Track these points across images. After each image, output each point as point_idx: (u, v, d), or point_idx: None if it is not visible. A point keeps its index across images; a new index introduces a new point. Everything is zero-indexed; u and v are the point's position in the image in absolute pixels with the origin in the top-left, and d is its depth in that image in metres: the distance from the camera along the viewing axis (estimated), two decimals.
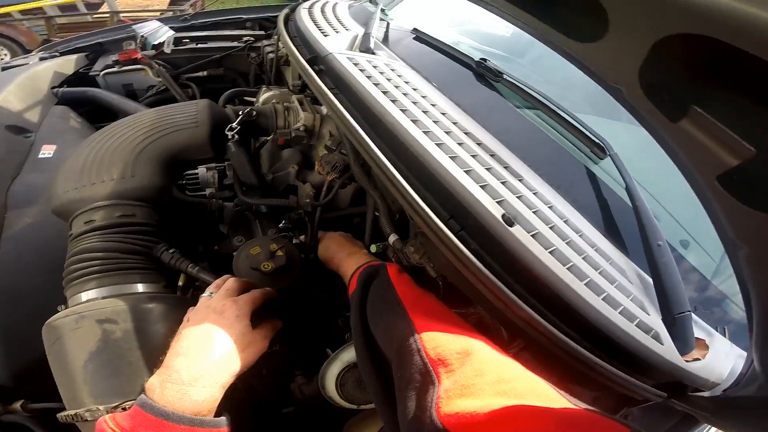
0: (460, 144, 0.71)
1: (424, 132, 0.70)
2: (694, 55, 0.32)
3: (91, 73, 1.55)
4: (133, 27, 1.50)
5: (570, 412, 0.40)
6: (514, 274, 0.58)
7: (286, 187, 1.11)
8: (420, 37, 1.14)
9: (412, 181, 0.66)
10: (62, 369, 0.60)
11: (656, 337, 0.59)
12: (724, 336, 0.69)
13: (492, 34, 1.47)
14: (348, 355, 0.72)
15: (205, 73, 1.57)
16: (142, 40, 1.37)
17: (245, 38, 1.58)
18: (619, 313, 0.58)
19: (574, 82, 1.11)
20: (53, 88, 1.46)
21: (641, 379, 0.62)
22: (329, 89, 0.82)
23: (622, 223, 0.76)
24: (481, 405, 0.40)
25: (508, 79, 0.91)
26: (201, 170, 1.20)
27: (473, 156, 0.69)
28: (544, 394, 0.43)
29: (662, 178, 0.91)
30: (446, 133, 0.73)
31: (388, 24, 1.26)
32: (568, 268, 0.57)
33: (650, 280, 0.67)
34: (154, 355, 0.59)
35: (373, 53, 1.05)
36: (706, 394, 0.62)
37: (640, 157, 0.92)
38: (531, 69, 1.28)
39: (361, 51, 1.04)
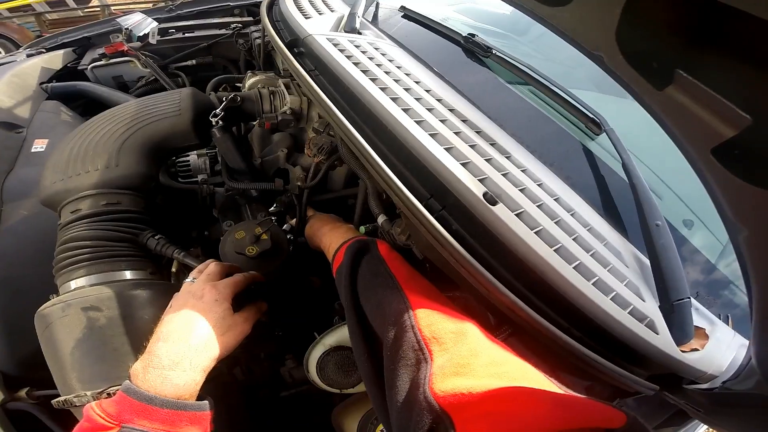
0: (443, 121, 0.67)
1: (404, 110, 0.66)
2: (675, 13, 0.28)
3: (79, 67, 1.55)
4: (117, 20, 1.49)
5: (564, 396, 0.39)
6: (498, 257, 0.54)
7: (277, 171, 1.10)
8: (408, 14, 1.10)
9: (390, 160, 0.63)
10: (52, 356, 0.62)
11: (651, 326, 0.55)
12: (728, 324, 0.64)
13: (493, 12, 1.41)
14: (331, 338, 0.72)
15: (194, 61, 1.56)
16: (127, 33, 1.37)
17: (233, 25, 1.56)
18: (611, 299, 0.53)
19: (580, 60, 1.07)
20: (42, 83, 1.47)
21: (634, 370, 0.58)
22: (308, 71, 0.79)
23: (620, 202, 0.71)
24: (477, 384, 0.38)
25: (498, 54, 0.86)
26: (192, 157, 1.22)
27: (456, 133, 0.65)
28: (536, 379, 0.42)
29: (666, 156, 0.86)
30: (428, 110, 0.69)
31: (377, 3, 1.22)
32: (555, 250, 0.53)
33: (649, 264, 0.62)
34: (139, 340, 0.60)
35: (359, 33, 1.01)
36: (705, 385, 0.58)
37: (645, 135, 0.87)
38: (533, 48, 1.23)
39: (346, 31, 1.01)
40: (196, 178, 1.19)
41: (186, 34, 1.57)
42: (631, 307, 0.55)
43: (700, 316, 0.63)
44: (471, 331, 0.47)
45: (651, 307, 0.58)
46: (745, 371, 0.52)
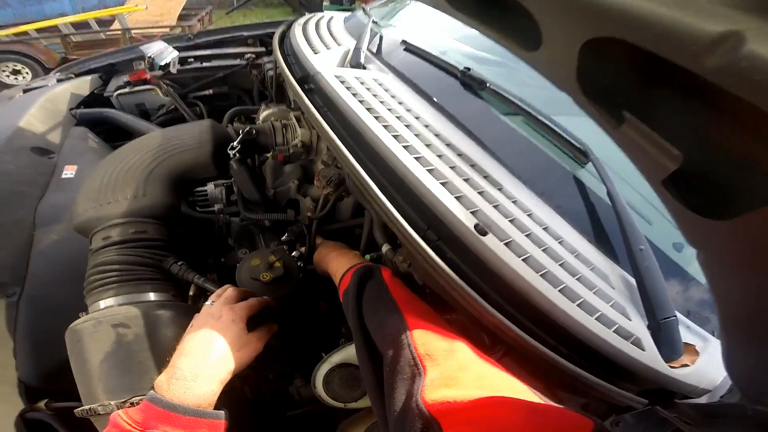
0: (439, 156, 0.73)
1: (404, 146, 0.72)
2: (616, 58, 0.33)
3: (105, 94, 1.63)
4: (140, 48, 1.57)
5: (543, 406, 0.44)
6: (489, 282, 0.60)
7: (289, 201, 1.15)
8: (409, 48, 1.17)
9: (391, 194, 0.68)
10: (81, 368, 0.67)
11: (637, 343, 0.59)
12: None
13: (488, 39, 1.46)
14: (337, 357, 0.77)
15: (211, 91, 1.63)
16: (150, 61, 1.43)
17: (247, 55, 1.63)
18: (596, 319, 0.58)
19: None
20: (71, 109, 1.56)
21: (624, 385, 0.62)
22: (317, 108, 0.86)
23: (609, 228, 0.76)
24: (462, 394, 0.43)
25: (492, 87, 0.93)
26: (209, 187, 1.28)
27: (452, 167, 0.71)
28: (517, 390, 0.47)
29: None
30: (426, 146, 0.75)
31: (381, 36, 1.29)
32: (542, 275, 0.58)
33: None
34: (162, 356, 0.66)
35: (364, 68, 1.08)
36: (702, 400, 0.61)
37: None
38: (528, 75, 1.28)
39: (351, 66, 1.08)
40: (212, 207, 1.26)
41: (204, 64, 1.64)
42: (617, 325, 0.60)
43: (691, 333, 0.67)
44: (461, 349, 0.52)
45: (637, 325, 0.62)
46: (731, 386, 0.56)
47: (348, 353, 0.77)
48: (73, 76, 1.68)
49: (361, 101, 0.84)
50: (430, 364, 0.50)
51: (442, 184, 0.66)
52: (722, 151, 0.32)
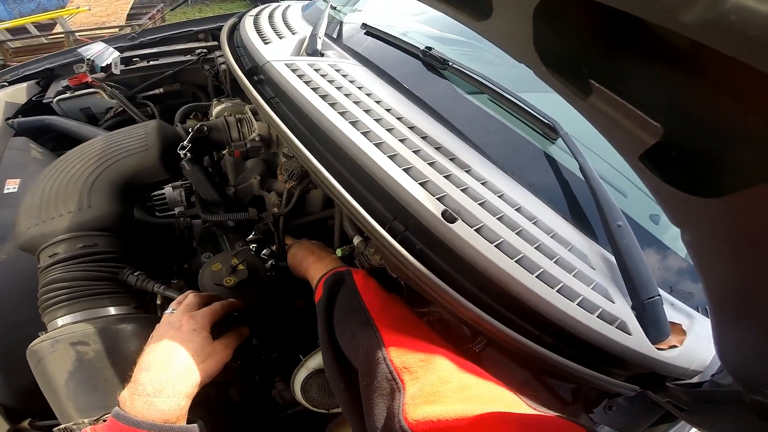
0: (402, 140, 0.68)
1: (363, 133, 0.67)
2: (575, 21, 0.28)
3: (44, 101, 1.50)
4: (78, 50, 1.46)
5: (532, 417, 0.42)
6: (462, 272, 0.55)
7: (252, 199, 1.09)
8: (370, 31, 1.10)
9: (352, 185, 0.63)
10: (48, 388, 0.66)
11: (622, 327, 0.56)
12: (707, 316, 0.65)
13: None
14: (314, 361, 0.74)
15: (161, 90, 1.53)
16: (90, 63, 1.35)
17: (198, 51, 1.54)
18: (578, 304, 0.54)
19: None
20: (7, 119, 1.43)
21: (612, 371, 0.59)
22: (267, 99, 0.80)
23: (585, 205, 0.72)
24: (447, 410, 0.41)
25: (455, 66, 0.88)
26: (167, 190, 1.21)
27: (416, 151, 0.66)
28: (506, 400, 0.44)
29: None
30: (388, 131, 0.70)
31: (341, 22, 1.23)
32: (517, 261, 0.54)
33: None
34: (127, 371, 0.63)
35: (322, 55, 1.02)
36: (695, 380, 0.59)
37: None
38: (496, 54, 1.25)
39: (308, 54, 1.01)
40: (173, 211, 1.18)
41: (151, 62, 1.54)
42: (600, 310, 0.56)
43: (676, 310, 0.64)
44: (439, 359, 0.49)
45: (621, 308, 0.59)
46: (721, 365, 0.53)
47: None
48: (6, 84, 1.53)
49: (315, 89, 0.78)
50: (408, 377, 0.47)
51: (405, 170, 0.61)
52: (707, 121, 0.28)
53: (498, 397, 0.45)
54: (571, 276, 0.58)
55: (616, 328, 0.55)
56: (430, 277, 0.52)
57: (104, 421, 0.57)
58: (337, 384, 0.59)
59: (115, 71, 1.44)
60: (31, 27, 4.73)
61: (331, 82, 0.82)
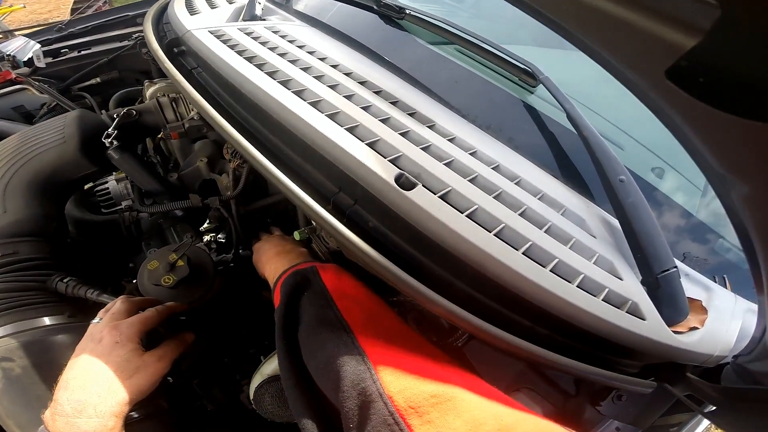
0: (348, 97, 0.54)
1: (296, 92, 0.53)
2: None
3: None
4: None
5: None
6: (429, 254, 0.42)
7: (203, 183, 0.97)
8: None
9: (286, 155, 0.50)
10: None
11: (634, 311, 0.44)
12: (725, 287, 0.54)
13: None
14: (269, 367, 0.65)
15: (98, 80, 1.39)
16: (11, 59, 1.23)
17: (135, 35, 1.40)
18: (578, 286, 0.42)
19: (521, 20, 0.97)
20: None
21: (623, 362, 0.47)
22: (189, 69, 0.67)
23: (575, 159, 0.60)
24: None
25: (413, 14, 0.74)
26: (111, 183, 1.09)
27: (365, 108, 0.52)
28: None
29: (622, 102, 0.76)
30: (331, 87, 0.56)
31: None
32: (496, 233, 0.41)
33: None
34: None
35: (262, 20, 0.88)
36: (727, 359, 0.47)
37: (595, 83, 0.77)
38: (473, 13, 1.12)
39: (245, 20, 0.88)
40: (120, 205, 1.06)
41: (82, 52, 1.40)
42: (606, 290, 0.44)
43: (692, 282, 0.53)
44: (457, 393, 0.35)
45: (631, 285, 0.46)
46: (759, 347, 0.41)
47: None
48: None
49: (240, 52, 0.64)
50: (417, 422, 0.34)
51: (350, 129, 0.47)
52: None
53: None
54: (567, 249, 0.45)
55: (627, 312, 0.43)
56: (383, 263, 0.39)
57: None
58: (304, 421, 0.44)
59: (39, 64, 1.31)
60: None
61: (264, 44, 0.69)
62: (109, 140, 0.84)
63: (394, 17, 0.77)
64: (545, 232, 0.45)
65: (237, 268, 0.89)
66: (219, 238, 0.96)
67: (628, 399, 0.56)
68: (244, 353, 0.81)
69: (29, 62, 1.28)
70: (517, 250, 0.41)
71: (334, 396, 0.41)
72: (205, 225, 0.97)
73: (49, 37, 1.45)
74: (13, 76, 1.26)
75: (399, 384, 0.36)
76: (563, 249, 0.45)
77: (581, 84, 0.74)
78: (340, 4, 0.94)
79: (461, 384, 0.36)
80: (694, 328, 0.46)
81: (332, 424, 0.44)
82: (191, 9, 0.92)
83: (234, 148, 0.78)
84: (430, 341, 0.44)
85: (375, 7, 0.81)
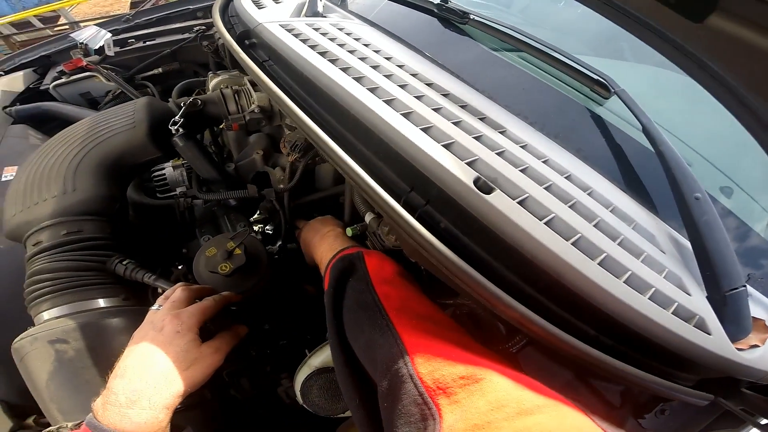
0: (418, 97, 0.55)
1: (370, 89, 0.55)
2: None
3: (42, 87, 1.46)
4: (71, 35, 1.42)
5: None
6: (501, 258, 0.43)
7: (257, 175, 1.02)
8: None
9: (359, 151, 0.52)
10: (32, 387, 0.62)
11: (701, 326, 0.43)
12: None
13: None
14: (317, 359, 0.66)
15: (160, 70, 1.46)
16: (83, 47, 1.30)
17: (196, 28, 1.46)
18: (649, 298, 0.42)
19: (570, 27, 0.95)
20: (5, 107, 1.40)
21: (680, 375, 0.47)
22: (261, 62, 0.69)
23: (643, 173, 0.59)
24: None
25: (477, 19, 0.74)
26: (168, 169, 1.16)
27: (436, 109, 0.53)
28: (578, 427, 0.33)
29: (687, 117, 0.74)
30: (401, 86, 0.57)
31: None
32: (573, 243, 0.41)
33: (689, 245, 0.50)
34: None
35: (323, 17, 0.91)
36: None
37: (657, 96, 0.75)
38: (522, 18, 1.11)
39: (307, 17, 0.90)
40: (175, 191, 1.11)
41: (147, 43, 1.47)
42: (675, 304, 0.43)
43: (754, 303, 0.51)
44: (487, 374, 0.37)
45: (698, 301, 0.46)
46: None
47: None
48: (2, 73, 1.50)
49: (312, 46, 0.66)
50: (445, 402, 0.35)
51: (424, 129, 0.48)
52: None
53: (567, 424, 0.32)
54: (639, 262, 0.45)
55: (694, 326, 0.43)
56: (458, 264, 0.40)
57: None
58: (351, 398, 0.48)
59: (109, 53, 1.38)
60: (34, 20, 4.67)
61: (332, 39, 0.70)
62: (176, 127, 0.89)
63: (456, 21, 0.77)
64: (618, 244, 0.45)
65: (282, 261, 0.91)
66: (267, 229, 0.99)
67: (670, 414, 0.55)
68: (275, 345, 0.82)
69: (100, 50, 1.35)
70: (593, 260, 0.41)
71: (374, 373, 0.44)
72: (255, 215, 1.00)
73: (117, 27, 1.53)
74: (84, 63, 1.35)
75: (430, 366, 0.38)
76: (635, 262, 0.44)
77: (635, 94, 0.73)
78: (397, 6, 0.95)
79: (492, 367, 0.38)
80: (755, 346, 0.46)
81: (369, 390, 0.46)
82: (258, 3, 0.95)
83: (293, 142, 0.81)
84: (484, 345, 0.45)
85: (435, 10, 0.82)
